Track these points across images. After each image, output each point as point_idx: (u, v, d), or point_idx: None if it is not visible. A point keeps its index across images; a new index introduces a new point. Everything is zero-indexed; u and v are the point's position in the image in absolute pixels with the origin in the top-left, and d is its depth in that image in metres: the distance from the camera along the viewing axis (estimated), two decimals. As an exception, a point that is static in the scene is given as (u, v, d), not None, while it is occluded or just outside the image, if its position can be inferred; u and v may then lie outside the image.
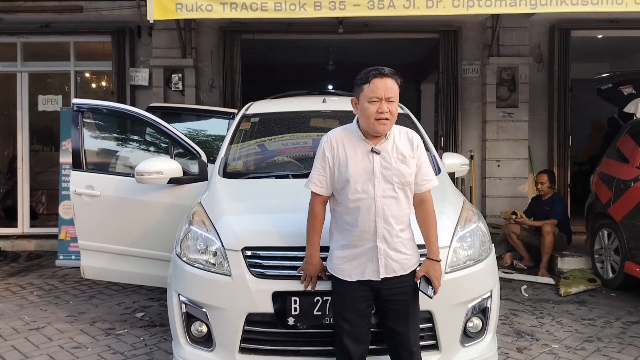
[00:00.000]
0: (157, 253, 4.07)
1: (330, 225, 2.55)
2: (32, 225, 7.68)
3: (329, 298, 2.61)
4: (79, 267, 4.38)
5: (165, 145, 4.40)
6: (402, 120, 3.44)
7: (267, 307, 2.62)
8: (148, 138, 4.67)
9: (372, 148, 2.42)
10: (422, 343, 2.60)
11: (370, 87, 2.37)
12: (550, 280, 5.67)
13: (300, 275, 2.61)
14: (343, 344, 2.44)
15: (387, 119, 2.36)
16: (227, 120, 5.70)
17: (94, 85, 8.33)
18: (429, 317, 2.66)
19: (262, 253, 2.70)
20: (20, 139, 7.66)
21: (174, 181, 3.90)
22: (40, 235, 7.48)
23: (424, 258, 2.53)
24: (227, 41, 7.56)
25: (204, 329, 2.78)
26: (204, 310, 2.75)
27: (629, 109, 6.18)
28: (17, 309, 4.76)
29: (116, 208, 4.18)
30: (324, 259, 2.57)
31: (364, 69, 2.47)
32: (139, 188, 4.01)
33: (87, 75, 8.19)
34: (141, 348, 3.82)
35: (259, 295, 2.63)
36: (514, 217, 6.33)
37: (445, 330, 2.70)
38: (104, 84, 8.18)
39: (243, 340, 2.68)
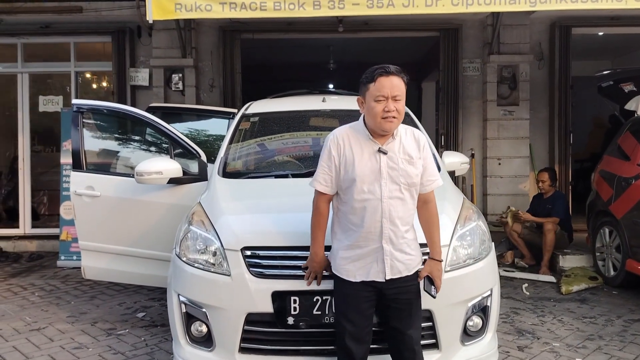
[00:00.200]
0: (158, 253, 4.07)
1: (333, 224, 2.53)
2: (33, 226, 7.69)
3: (329, 297, 2.61)
4: (80, 268, 4.39)
5: (166, 145, 4.40)
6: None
7: (267, 306, 2.62)
8: (148, 138, 4.67)
9: (379, 148, 2.40)
10: (422, 342, 2.58)
11: (376, 85, 2.35)
12: (552, 279, 5.66)
13: (301, 274, 2.60)
14: (345, 345, 2.44)
15: (394, 117, 2.34)
16: (227, 120, 5.70)
17: (94, 86, 8.34)
18: (428, 316, 2.66)
19: (261, 253, 2.70)
20: (21, 140, 7.68)
21: (173, 181, 3.89)
22: (41, 235, 7.49)
23: (425, 257, 2.53)
24: (227, 41, 7.56)
25: (204, 329, 2.78)
26: (204, 310, 2.75)
27: (629, 106, 6.17)
28: (19, 310, 4.77)
29: (116, 208, 4.18)
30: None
31: (364, 67, 2.45)
32: (139, 188, 4.01)
33: (88, 75, 8.20)
34: (142, 348, 3.83)
35: (259, 295, 2.63)
36: (512, 217, 6.26)
37: (445, 329, 2.70)
38: (104, 84, 8.19)
39: (243, 340, 2.68)
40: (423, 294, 2.49)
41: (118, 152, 4.73)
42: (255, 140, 4.10)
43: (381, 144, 2.41)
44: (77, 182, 4.19)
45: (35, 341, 3.99)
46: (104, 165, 4.59)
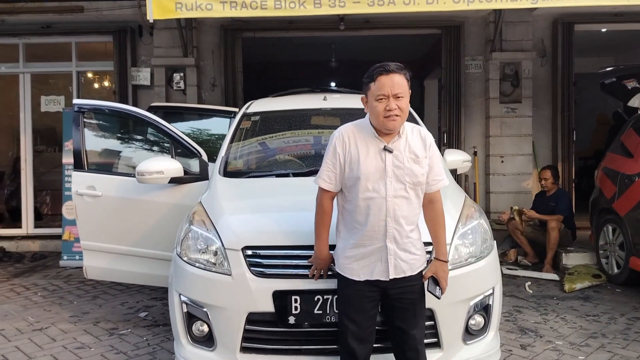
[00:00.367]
0: (159, 253, 4.06)
1: (338, 222, 2.52)
2: (36, 226, 7.70)
3: (330, 297, 2.60)
4: (83, 268, 4.39)
5: (167, 145, 4.39)
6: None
7: (268, 306, 2.62)
8: (149, 138, 4.66)
9: (384, 146, 2.38)
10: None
11: (376, 84, 2.34)
12: (555, 277, 5.64)
13: (302, 274, 2.60)
14: (348, 344, 2.43)
15: (397, 115, 2.32)
16: (229, 119, 5.70)
17: (96, 86, 8.34)
18: (430, 314, 2.64)
19: (262, 252, 2.70)
20: (23, 140, 7.69)
21: (175, 181, 3.89)
22: (44, 235, 7.50)
23: (428, 256, 2.52)
24: (228, 39, 7.55)
25: (205, 328, 2.78)
26: (205, 309, 2.74)
27: (633, 103, 6.13)
28: (21, 310, 4.77)
29: (118, 208, 4.18)
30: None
31: (366, 65, 2.44)
32: (140, 188, 4.00)
33: (89, 75, 8.20)
34: (144, 348, 3.83)
35: (260, 295, 2.62)
36: (512, 217, 6.24)
37: (446, 328, 2.69)
38: (106, 84, 8.19)
39: (244, 339, 2.67)
40: (427, 294, 2.48)
41: (119, 151, 4.73)
42: (256, 139, 4.09)
43: (387, 142, 2.39)
44: (79, 182, 4.19)
45: (37, 341, 3.99)
46: (106, 165, 4.59)
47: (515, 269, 5.95)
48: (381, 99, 2.32)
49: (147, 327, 4.26)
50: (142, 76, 7.52)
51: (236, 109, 5.85)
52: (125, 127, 4.81)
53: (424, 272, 2.48)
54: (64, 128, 6.61)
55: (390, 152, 2.38)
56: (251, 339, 2.68)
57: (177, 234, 3.08)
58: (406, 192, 2.38)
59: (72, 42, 7.67)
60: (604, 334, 4.03)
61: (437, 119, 8.94)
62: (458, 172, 4.24)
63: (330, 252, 2.54)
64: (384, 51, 8.89)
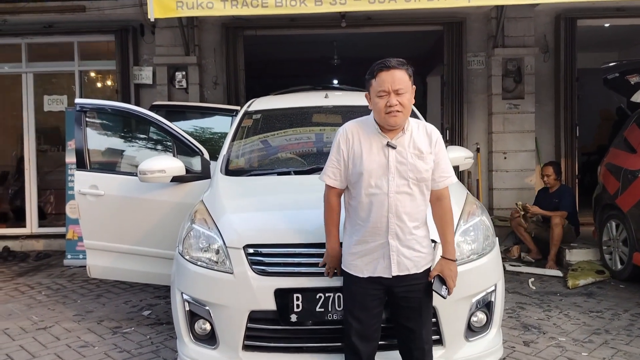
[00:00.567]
0: (162, 251, 4.07)
1: (345, 220, 2.53)
2: (40, 225, 7.74)
3: (332, 295, 2.61)
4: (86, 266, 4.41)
5: (169, 143, 4.40)
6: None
7: (270, 304, 2.62)
8: (151, 137, 4.67)
9: (387, 142, 2.38)
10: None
11: (377, 81, 2.34)
12: (558, 273, 5.63)
13: (304, 272, 2.62)
14: (352, 342, 2.43)
15: (398, 111, 2.31)
16: (231, 118, 5.70)
17: (98, 85, 8.35)
18: (432, 312, 2.63)
19: (264, 250, 2.70)
20: (26, 140, 7.71)
21: (177, 179, 3.89)
22: (48, 235, 7.53)
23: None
24: (230, 38, 7.55)
25: (208, 326, 2.78)
26: (207, 308, 2.75)
27: (636, 98, 6.09)
28: (26, 309, 4.80)
29: (120, 207, 4.18)
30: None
31: (368, 62, 2.44)
32: (142, 187, 4.01)
33: (92, 74, 8.22)
34: (147, 346, 3.84)
35: (262, 293, 2.63)
36: (522, 212, 6.22)
37: (449, 325, 2.69)
38: (108, 83, 8.21)
39: (246, 337, 2.67)
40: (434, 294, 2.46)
41: (121, 151, 4.74)
42: (258, 137, 4.09)
43: (391, 138, 2.39)
44: (81, 181, 4.20)
45: (41, 340, 4.01)
46: (108, 164, 4.60)
47: (519, 266, 5.94)
48: (382, 95, 2.32)
49: (150, 325, 4.28)
50: (144, 75, 7.54)
51: (238, 107, 5.85)
52: (127, 126, 4.81)
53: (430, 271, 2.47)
54: (67, 127, 6.63)
55: (394, 148, 2.37)
56: (253, 337, 2.69)
57: (179, 232, 3.08)
58: (409, 188, 2.37)
59: (74, 42, 7.68)
60: (608, 330, 4.02)
61: (440, 115, 8.91)
62: (460, 169, 4.23)
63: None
64: (386, 48, 8.84)
